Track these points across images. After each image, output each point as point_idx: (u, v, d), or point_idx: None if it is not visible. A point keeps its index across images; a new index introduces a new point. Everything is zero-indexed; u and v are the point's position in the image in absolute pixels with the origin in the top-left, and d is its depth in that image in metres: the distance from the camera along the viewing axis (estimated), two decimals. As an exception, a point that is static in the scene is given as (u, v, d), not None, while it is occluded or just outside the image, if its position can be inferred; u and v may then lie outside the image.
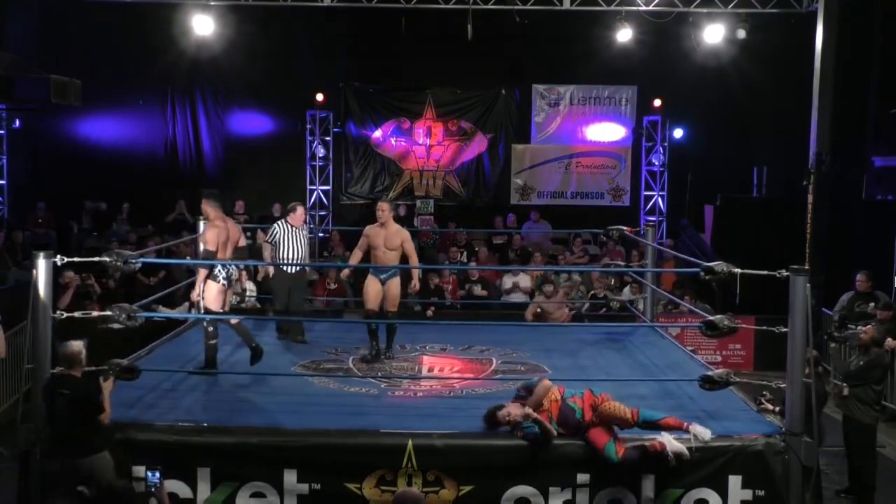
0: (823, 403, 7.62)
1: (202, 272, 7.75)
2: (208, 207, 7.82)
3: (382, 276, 8.50)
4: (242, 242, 8.28)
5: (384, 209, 8.53)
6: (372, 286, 8.54)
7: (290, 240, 9.14)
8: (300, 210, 9.35)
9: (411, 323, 10.14)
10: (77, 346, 6.14)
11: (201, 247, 7.89)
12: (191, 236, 11.00)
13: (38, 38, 15.26)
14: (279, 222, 9.34)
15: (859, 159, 14.15)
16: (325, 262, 13.86)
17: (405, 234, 8.59)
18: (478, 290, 13.12)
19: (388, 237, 8.47)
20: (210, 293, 7.72)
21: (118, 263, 6.51)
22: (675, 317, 12.27)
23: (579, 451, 6.12)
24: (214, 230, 7.66)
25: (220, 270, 7.70)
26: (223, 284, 7.74)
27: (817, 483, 6.83)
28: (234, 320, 7.86)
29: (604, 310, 11.19)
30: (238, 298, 10.67)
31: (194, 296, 7.94)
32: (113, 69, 15.70)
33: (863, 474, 7.79)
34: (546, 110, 16.93)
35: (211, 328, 7.72)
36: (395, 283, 8.58)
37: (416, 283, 9.21)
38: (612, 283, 12.97)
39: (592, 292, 12.32)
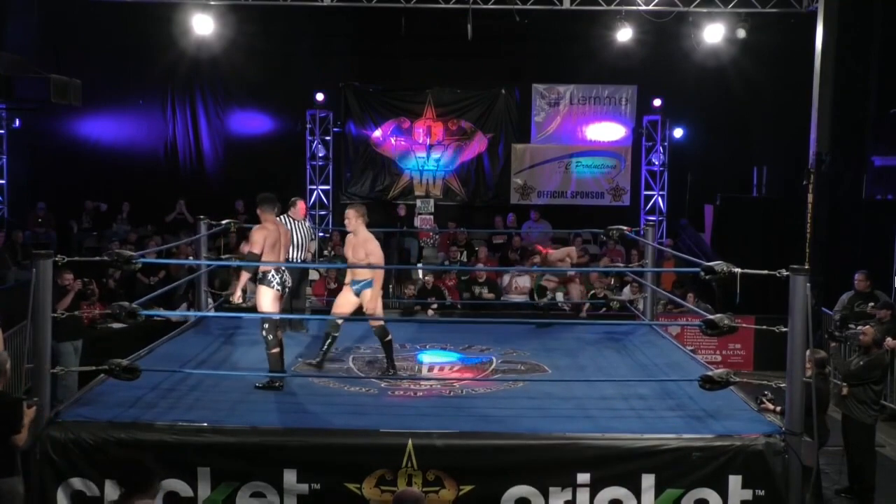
0: (826, 405, 7.63)
1: (244, 275, 7.61)
2: (261, 211, 7.59)
3: (355, 288, 8.03)
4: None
5: (349, 217, 7.88)
6: (343, 296, 8.10)
7: (295, 233, 9.14)
8: (301, 204, 9.39)
9: (412, 322, 10.12)
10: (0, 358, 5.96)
11: (249, 248, 7.60)
12: (191, 238, 10.99)
13: (38, 38, 15.28)
14: (282, 216, 9.33)
15: (859, 159, 14.13)
16: (325, 262, 13.85)
17: (371, 245, 7.79)
18: (485, 292, 13.11)
19: (355, 247, 7.86)
20: (265, 299, 7.43)
21: (118, 263, 6.51)
22: (675, 316, 12.26)
23: (579, 450, 6.13)
24: (262, 232, 7.39)
25: (273, 275, 7.41)
26: (278, 290, 7.45)
27: (817, 483, 6.84)
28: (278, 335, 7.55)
29: (604, 310, 11.17)
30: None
31: (234, 298, 7.83)
32: (113, 69, 15.72)
33: (862, 474, 7.80)
34: (546, 110, 16.91)
35: (270, 336, 7.28)
36: (368, 294, 7.90)
37: (369, 306, 7.94)
38: (612, 282, 12.98)
39: (593, 292, 12.31)
